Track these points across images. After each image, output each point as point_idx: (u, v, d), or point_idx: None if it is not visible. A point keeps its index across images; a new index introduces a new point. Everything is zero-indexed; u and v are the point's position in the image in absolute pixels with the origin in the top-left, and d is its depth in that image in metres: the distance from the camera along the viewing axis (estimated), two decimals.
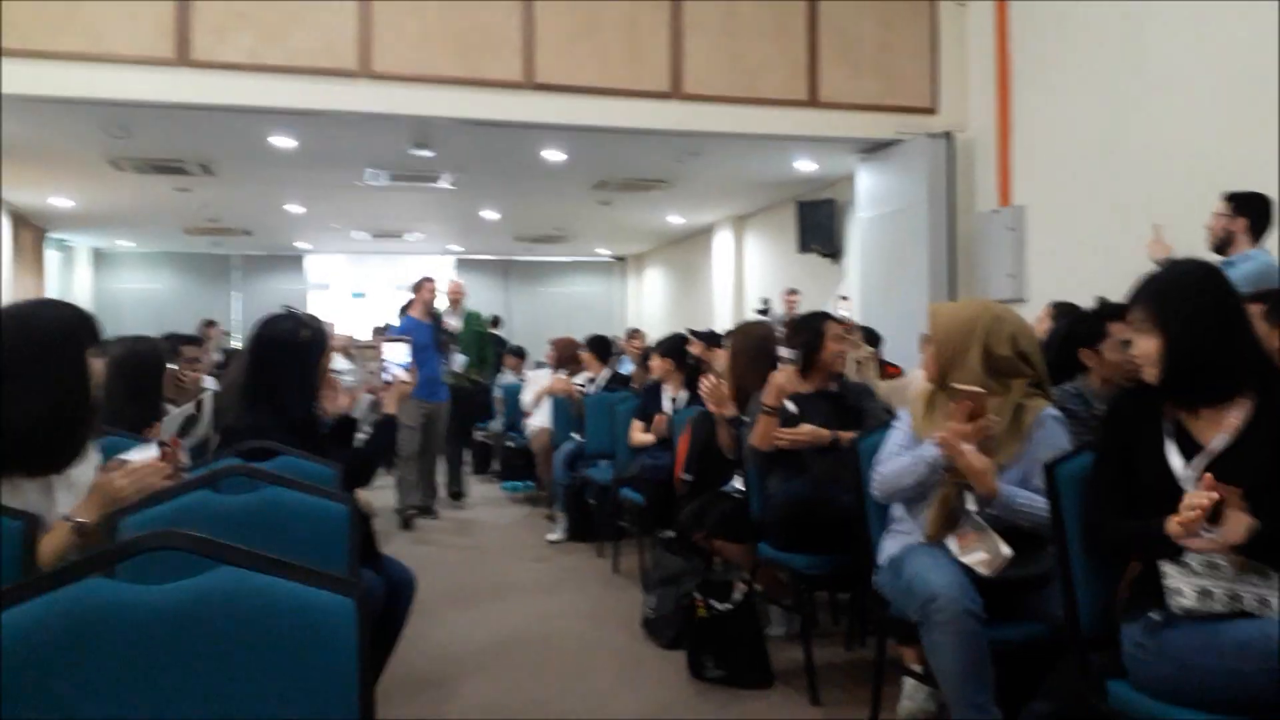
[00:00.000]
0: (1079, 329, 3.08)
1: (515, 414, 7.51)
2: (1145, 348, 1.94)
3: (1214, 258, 3.77)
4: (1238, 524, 1.69)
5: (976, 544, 2.27)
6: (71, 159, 7.59)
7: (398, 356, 3.21)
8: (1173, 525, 1.72)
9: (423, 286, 6.57)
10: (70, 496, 1.96)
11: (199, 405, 2.26)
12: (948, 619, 2.15)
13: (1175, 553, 1.80)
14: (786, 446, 3.23)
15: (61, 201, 9.50)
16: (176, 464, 1.99)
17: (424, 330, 6.28)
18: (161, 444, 2.09)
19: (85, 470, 1.99)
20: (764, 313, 7.99)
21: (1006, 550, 2.24)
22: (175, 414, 2.19)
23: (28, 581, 1.07)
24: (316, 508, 1.90)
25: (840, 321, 3.90)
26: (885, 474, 2.50)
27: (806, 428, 3.23)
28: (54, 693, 1.05)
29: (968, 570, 2.25)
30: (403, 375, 3.15)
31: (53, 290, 11.47)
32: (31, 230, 10.37)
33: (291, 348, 2.70)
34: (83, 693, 1.06)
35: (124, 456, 1.99)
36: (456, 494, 7.20)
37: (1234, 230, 3.82)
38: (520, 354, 9.14)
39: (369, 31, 5.81)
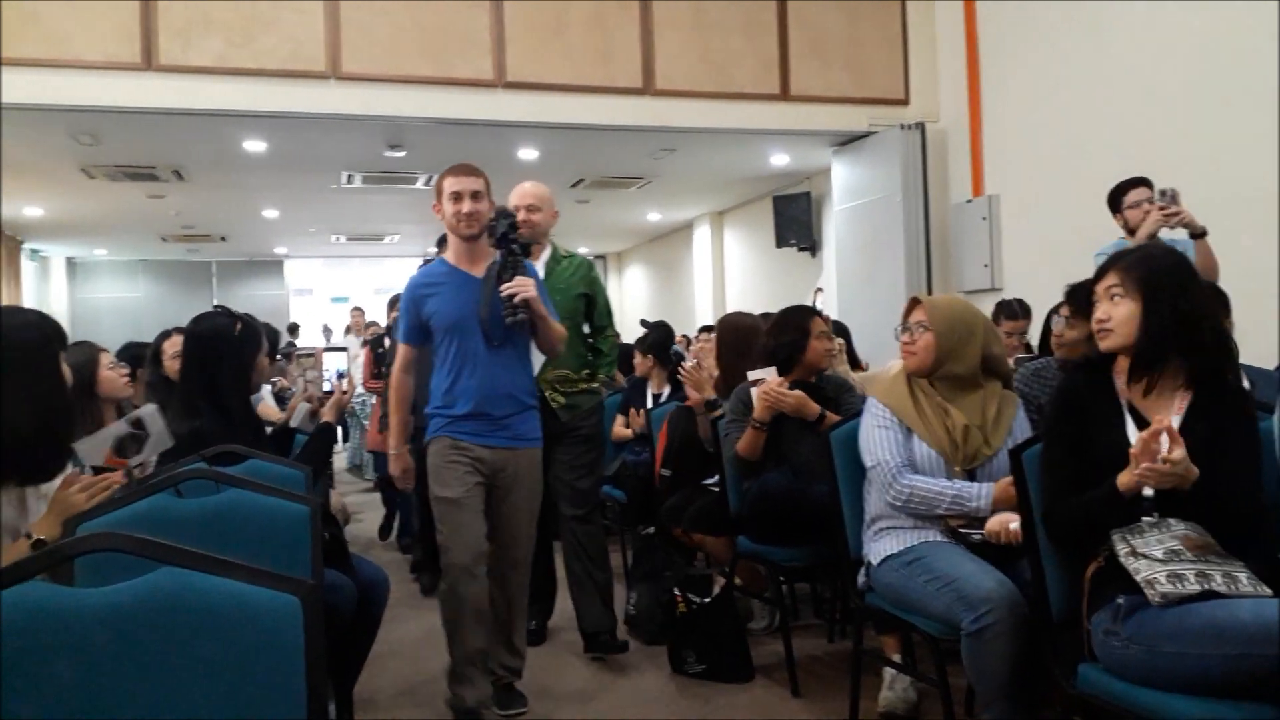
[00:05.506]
0: None
1: None
2: (1120, 313, 1.96)
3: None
4: (1182, 455, 1.77)
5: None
6: (41, 167, 7.48)
7: (338, 365, 3.19)
8: (1125, 476, 1.82)
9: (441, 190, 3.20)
10: (44, 509, 1.91)
11: (138, 423, 2.18)
12: (1008, 628, 2.09)
13: (1127, 518, 1.84)
14: (774, 404, 3.12)
15: (33, 210, 9.39)
16: (130, 476, 1.95)
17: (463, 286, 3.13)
18: (96, 469, 2.00)
19: (56, 484, 1.93)
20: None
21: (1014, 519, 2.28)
22: (99, 436, 2.11)
23: None
24: (278, 510, 1.88)
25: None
26: (924, 496, 2.41)
27: (798, 393, 3.13)
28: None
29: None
30: (341, 385, 3.13)
31: (30, 301, 11.30)
32: (5, 240, 10.23)
33: (226, 342, 2.67)
34: (23, 695, 1.03)
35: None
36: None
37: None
38: None
39: (337, 33, 5.75)
